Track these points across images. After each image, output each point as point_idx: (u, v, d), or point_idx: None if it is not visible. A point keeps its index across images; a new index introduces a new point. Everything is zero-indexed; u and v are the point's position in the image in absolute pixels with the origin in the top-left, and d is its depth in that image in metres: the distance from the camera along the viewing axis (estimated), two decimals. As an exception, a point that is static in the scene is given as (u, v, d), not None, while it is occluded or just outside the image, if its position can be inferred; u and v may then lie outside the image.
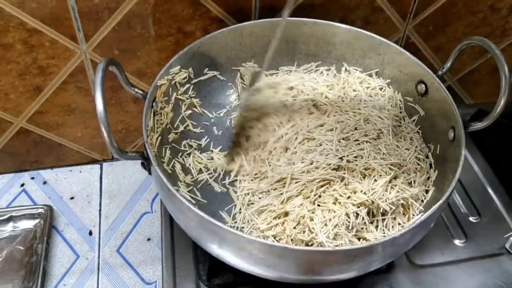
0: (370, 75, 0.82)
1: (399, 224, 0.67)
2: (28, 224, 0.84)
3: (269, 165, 0.73)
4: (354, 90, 0.81)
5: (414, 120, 0.78)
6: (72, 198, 0.91)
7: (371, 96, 0.80)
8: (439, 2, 0.87)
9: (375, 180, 0.67)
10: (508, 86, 0.62)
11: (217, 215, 0.72)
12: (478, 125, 0.67)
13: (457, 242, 0.80)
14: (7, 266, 0.79)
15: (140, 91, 0.68)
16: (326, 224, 0.63)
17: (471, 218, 0.83)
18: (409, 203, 0.68)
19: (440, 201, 0.59)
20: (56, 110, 0.86)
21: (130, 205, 0.91)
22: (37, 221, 0.84)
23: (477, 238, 0.80)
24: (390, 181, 0.68)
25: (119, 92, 0.86)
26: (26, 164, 0.94)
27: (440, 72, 0.73)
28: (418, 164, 0.73)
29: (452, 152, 0.68)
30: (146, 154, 0.62)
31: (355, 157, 0.70)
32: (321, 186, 0.67)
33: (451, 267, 0.77)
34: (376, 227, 0.66)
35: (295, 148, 0.73)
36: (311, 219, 0.64)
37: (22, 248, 0.81)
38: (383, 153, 0.71)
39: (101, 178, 0.95)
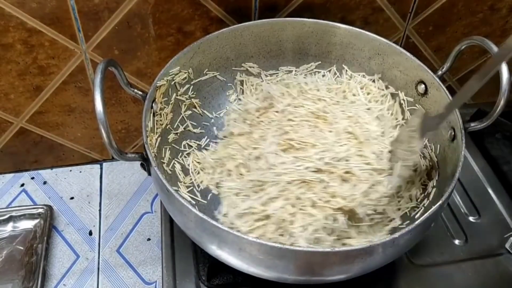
0: (374, 80, 0.82)
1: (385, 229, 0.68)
2: (28, 224, 0.84)
3: (249, 168, 0.72)
4: (354, 95, 0.81)
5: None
6: (72, 198, 0.91)
7: (370, 102, 0.80)
8: (439, 2, 0.87)
9: (354, 186, 0.67)
10: (507, 86, 0.62)
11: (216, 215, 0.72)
12: (477, 125, 0.67)
13: (457, 242, 0.80)
14: (7, 266, 0.79)
15: (139, 92, 0.68)
16: (306, 229, 0.63)
17: (471, 218, 0.83)
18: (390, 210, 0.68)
19: (440, 202, 0.59)
20: (56, 110, 0.86)
21: (130, 205, 0.91)
22: (37, 221, 0.84)
23: (477, 238, 0.80)
24: (373, 187, 0.67)
25: (119, 92, 0.86)
26: (26, 164, 0.95)
27: (439, 72, 0.73)
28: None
29: (452, 152, 0.68)
30: (146, 155, 0.62)
31: (338, 160, 0.69)
32: (301, 188, 0.67)
33: (451, 267, 0.77)
34: (359, 232, 0.66)
35: (276, 153, 0.72)
36: (291, 223, 0.64)
37: (22, 248, 0.81)
38: (368, 158, 0.70)
39: (101, 178, 0.95)
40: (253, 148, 0.73)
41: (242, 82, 0.83)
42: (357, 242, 0.64)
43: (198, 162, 0.76)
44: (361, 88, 0.81)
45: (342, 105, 0.78)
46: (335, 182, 0.67)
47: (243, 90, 0.84)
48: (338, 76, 0.84)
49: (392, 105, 0.80)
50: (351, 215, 0.65)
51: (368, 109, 0.79)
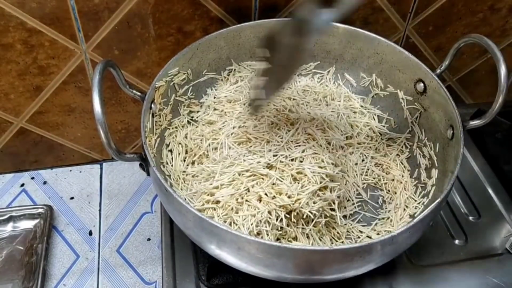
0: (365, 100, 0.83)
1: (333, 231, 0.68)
2: (28, 224, 0.84)
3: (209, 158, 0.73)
4: (332, 100, 0.81)
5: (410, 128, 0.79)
6: (72, 198, 0.91)
7: (346, 109, 0.81)
8: (439, 2, 0.87)
9: (303, 186, 0.66)
10: (506, 83, 0.62)
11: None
12: (476, 123, 0.67)
13: (457, 242, 0.80)
14: (7, 266, 0.79)
15: (138, 93, 0.68)
16: (249, 220, 0.63)
17: (471, 218, 0.83)
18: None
19: (439, 199, 0.59)
20: (56, 110, 0.86)
21: (130, 205, 0.91)
22: (37, 221, 0.84)
23: (477, 238, 0.80)
24: (323, 189, 0.67)
25: (119, 92, 0.86)
26: (26, 164, 0.95)
27: (438, 71, 0.73)
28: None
29: (451, 150, 0.68)
30: (145, 155, 0.62)
31: (291, 159, 0.69)
32: (252, 181, 0.67)
33: (451, 267, 0.76)
34: (303, 233, 0.65)
35: (231, 144, 0.72)
36: (236, 212, 0.64)
37: (22, 248, 0.81)
38: (323, 162, 0.69)
39: (101, 178, 0.95)
40: (213, 138, 0.74)
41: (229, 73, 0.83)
42: (303, 244, 0.64)
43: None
44: (345, 100, 0.82)
45: (310, 107, 0.78)
46: (286, 180, 0.66)
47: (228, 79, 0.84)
48: (322, 82, 0.84)
49: (369, 123, 0.81)
50: (295, 215, 0.65)
51: (338, 115, 0.79)
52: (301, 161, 0.69)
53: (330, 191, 0.67)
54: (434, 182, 0.71)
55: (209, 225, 0.55)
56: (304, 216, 0.65)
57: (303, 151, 0.69)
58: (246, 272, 0.61)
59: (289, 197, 0.64)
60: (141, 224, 0.88)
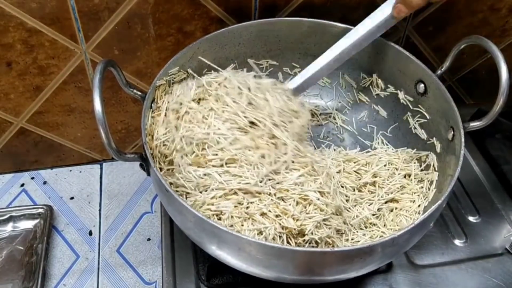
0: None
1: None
2: (28, 224, 0.84)
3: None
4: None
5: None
6: (72, 198, 0.91)
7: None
8: (439, 2, 0.86)
9: (308, 213, 0.62)
10: (507, 86, 0.62)
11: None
12: (477, 124, 0.67)
13: (457, 242, 0.80)
14: (7, 266, 0.79)
15: (138, 92, 0.68)
16: (260, 234, 0.60)
17: (471, 218, 0.83)
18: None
19: (439, 201, 0.59)
20: (56, 110, 0.86)
21: (130, 205, 0.91)
22: (37, 221, 0.84)
23: (477, 238, 0.80)
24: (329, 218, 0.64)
25: (119, 92, 0.86)
26: (26, 164, 0.95)
27: (439, 72, 0.73)
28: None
29: (452, 152, 0.68)
30: (145, 155, 0.62)
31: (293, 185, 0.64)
32: (252, 197, 0.62)
33: (451, 267, 0.77)
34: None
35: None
36: (242, 224, 0.61)
37: (22, 248, 0.81)
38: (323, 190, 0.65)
39: (101, 178, 0.95)
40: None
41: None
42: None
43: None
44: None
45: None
46: (289, 201, 0.62)
47: None
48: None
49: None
50: (295, 236, 0.62)
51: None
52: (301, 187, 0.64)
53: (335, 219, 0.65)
54: (434, 184, 0.71)
55: (209, 225, 0.55)
56: (306, 238, 0.62)
57: (300, 177, 0.64)
58: (246, 272, 0.61)
59: (294, 219, 0.61)
60: (141, 224, 0.88)
